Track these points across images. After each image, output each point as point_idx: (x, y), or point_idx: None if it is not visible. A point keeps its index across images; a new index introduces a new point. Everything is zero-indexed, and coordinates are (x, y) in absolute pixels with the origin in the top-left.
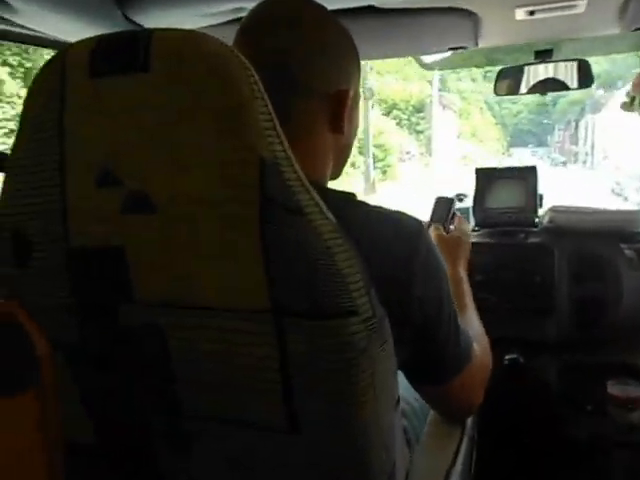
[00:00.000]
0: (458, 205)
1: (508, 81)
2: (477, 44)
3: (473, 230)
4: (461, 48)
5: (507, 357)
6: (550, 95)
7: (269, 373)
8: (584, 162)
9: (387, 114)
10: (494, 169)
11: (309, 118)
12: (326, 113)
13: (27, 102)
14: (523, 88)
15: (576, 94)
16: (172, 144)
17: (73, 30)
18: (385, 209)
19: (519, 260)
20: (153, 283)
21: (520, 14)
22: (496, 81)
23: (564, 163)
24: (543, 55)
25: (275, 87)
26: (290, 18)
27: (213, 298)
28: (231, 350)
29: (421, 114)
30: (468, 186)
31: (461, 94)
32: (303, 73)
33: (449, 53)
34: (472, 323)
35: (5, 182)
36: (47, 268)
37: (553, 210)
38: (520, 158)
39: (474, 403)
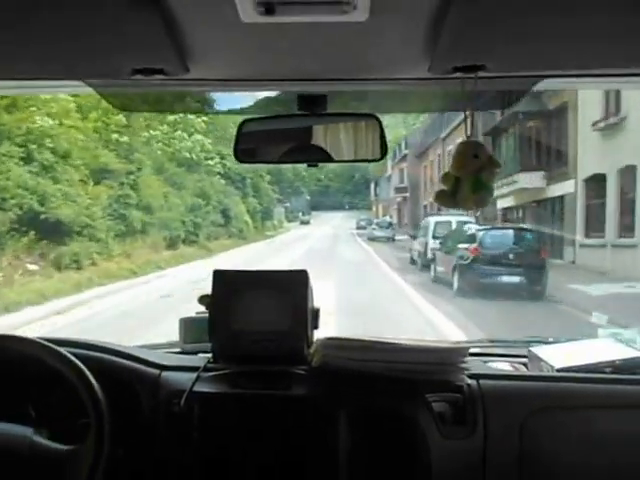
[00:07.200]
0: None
1: (253, 140)
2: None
3: (207, 369)
4: None
5: None
6: None
7: None
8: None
9: None
10: (245, 273)
11: None
12: None
13: None
14: (274, 152)
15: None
16: None
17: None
18: None
19: (280, 424)
20: None
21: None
22: (237, 139)
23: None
24: (311, 105)
25: None
26: None
27: None
28: None
29: None
30: None
31: None
32: None
33: None
34: None
35: None
36: None
37: (324, 346)
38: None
39: None
